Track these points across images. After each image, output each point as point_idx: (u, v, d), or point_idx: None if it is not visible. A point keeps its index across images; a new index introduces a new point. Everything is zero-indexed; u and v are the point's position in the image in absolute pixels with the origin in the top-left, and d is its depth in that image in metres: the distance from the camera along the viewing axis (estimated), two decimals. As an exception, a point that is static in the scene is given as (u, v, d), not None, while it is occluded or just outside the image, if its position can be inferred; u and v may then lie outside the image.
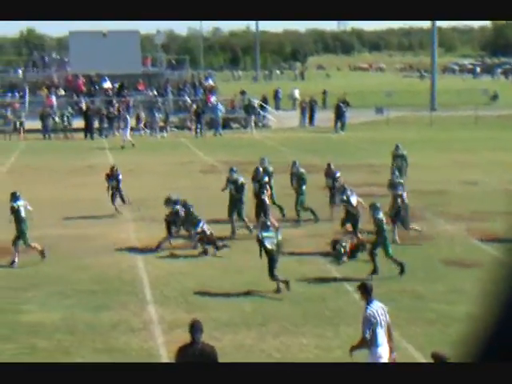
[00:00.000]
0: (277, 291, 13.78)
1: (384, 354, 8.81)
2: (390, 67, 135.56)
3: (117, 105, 41.89)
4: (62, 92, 45.99)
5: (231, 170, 19.05)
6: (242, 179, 18.71)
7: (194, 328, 8.24)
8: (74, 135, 39.57)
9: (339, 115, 42.11)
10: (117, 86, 45.70)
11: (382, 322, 8.85)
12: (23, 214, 15.97)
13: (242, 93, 48.83)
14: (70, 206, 21.69)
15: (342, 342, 10.85)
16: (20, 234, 15.85)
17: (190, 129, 41.71)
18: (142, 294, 14.00)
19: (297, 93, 55.76)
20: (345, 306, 12.95)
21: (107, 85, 45.50)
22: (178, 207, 16.99)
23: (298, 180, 19.52)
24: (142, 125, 41.01)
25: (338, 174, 19.98)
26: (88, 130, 39.63)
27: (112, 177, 20.50)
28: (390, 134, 38.61)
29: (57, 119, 40.56)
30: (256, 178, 19.02)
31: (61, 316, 12.84)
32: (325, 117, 43.81)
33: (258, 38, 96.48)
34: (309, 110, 45.73)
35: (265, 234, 14.13)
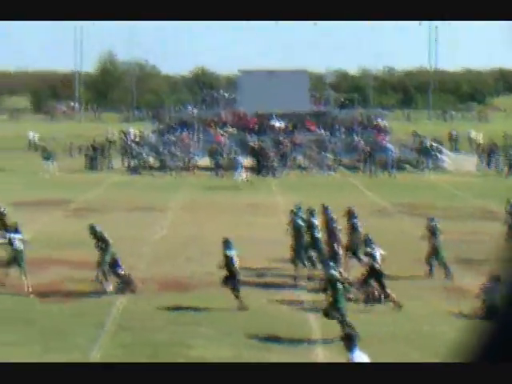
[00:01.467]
0: (242, 307, 15.35)
1: None
2: None
3: (286, 143, 42.88)
4: (231, 130, 47.71)
5: (292, 211, 19.25)
6: (298, 221, 18.49)
7: None
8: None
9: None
10: (285, 124, 46.78)
11: None
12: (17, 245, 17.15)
13: (415, 134, 48.28)
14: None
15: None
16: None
17: (359, 169, 41.75)
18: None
19: (475, 135, 54.24)
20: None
21: (276, 123, 46.68)
22: None
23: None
24: (309, 164, 41.64)
25: (356, 221, 18.92)
26: (258, 167, 40.77)
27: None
28: None
29: (225, 156, 42.12)
30: (326, 225, 18.62)
31: (230, 354, 13.19)
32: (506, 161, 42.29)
33: (434, 77, 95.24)
34: (487, 153, 44.39)
35: (232, 253, 15.24)
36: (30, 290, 16.90)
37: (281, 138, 44.38)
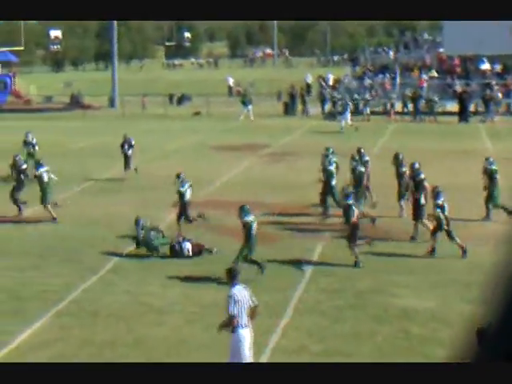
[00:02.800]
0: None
1: (247, 336, 9.29)
2: None
3: (496, 88, 40.72)
4: (435, 74, 46.13)
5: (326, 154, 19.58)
6: (329, 167, 18.89)
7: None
8: (446, 119, 39.45)
9: None
10: (497, 67, 44.39)
11: (245, 305, 9.35)
12: (46, 179, 18.90)
13: None
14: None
15: None
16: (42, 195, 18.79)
17: None
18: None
19: None
20: None
21: (485, 66, 44.43)
22: None
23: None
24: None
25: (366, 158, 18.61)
26: (463, 113, 39.17)
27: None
28: None
29: (426, 101, 40.86)
30: (412, 175, 17.64)
31: (435, 304, 12.80)
32: None
33: None
34: None
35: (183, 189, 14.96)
36: (55, 217, 18.72)
37: (490, 82, 42.23)
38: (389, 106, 40.92)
